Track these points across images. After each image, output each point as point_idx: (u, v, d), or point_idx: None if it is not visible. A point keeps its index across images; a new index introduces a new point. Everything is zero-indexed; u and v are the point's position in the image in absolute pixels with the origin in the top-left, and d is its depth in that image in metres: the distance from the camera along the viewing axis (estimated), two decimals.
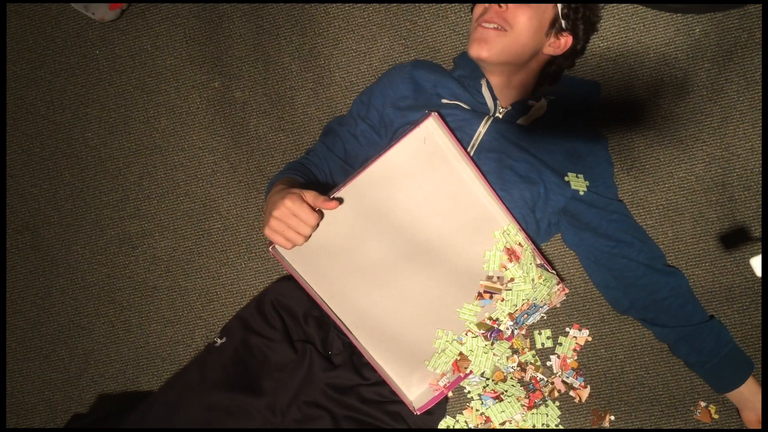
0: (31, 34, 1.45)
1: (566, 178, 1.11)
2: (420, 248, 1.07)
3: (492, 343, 1.12)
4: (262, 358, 1.17)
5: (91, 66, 1.43)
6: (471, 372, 1.12)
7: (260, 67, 1.38)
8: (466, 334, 1.11)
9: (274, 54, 1.37)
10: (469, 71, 1.18)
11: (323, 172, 1.18)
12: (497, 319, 1.11)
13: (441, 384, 1.13)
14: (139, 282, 1.43)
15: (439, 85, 1.17)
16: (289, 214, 0.93)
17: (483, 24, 1.06)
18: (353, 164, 1.20)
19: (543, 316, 1.24)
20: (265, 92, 1.38)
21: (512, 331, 1.12)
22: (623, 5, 1.25)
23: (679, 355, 1.15)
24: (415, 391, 1.15)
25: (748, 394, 1.12)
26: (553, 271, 1.15)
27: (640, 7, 1.25)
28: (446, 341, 1.11)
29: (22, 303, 1.47)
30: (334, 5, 1.34)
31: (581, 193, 1.12)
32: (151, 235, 1.43)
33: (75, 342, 1.45)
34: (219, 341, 1.20)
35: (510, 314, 1.10)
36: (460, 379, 1.13)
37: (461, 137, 1.10)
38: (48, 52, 1.44)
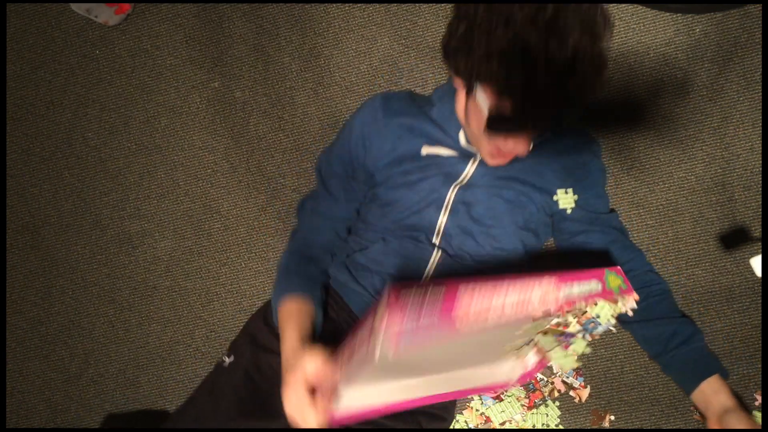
0: (31, 34, 1.45)
1: (555, 197, 1.10)
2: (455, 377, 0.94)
3: (567, 346, 0.95)
4: (272, 375, 1.10)
5: (91, 66, 1.43)
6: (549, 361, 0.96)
7: (260, 67, 1.38)
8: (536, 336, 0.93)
9: (274, 54, 1.38)
10: (444, 120, 1.11)
11: (329, 253, 1.16)
12: (566, 323, 0.91)
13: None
14: (139, 282, 1.43)
15: (417, 133, 1.11)
16: (299, 409, 0.86)
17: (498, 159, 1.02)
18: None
19: (612, 329, 1.13)
20: (265, 92, 1.38)
21: (583, 336, 0.95)
22: (623, 5, 1.25)
23: (647, 348, 1.11)
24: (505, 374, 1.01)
25: (709, 392, 1.02)
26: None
27: (640, 7, 1.25)
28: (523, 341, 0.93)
29: (22, 303, 1.47)
30: (334, 5, 1.34)
31: (568, 212, 1.11)
32: (151, 235, 1.43)
33: (75, 342, 1.45)
34: (227, 360, 1.15)
35: (577, 320, 0.90)
36: (543, 364, 0.99)
37: (449, 178, 1.07)
38: (48, 52, 1.44)
